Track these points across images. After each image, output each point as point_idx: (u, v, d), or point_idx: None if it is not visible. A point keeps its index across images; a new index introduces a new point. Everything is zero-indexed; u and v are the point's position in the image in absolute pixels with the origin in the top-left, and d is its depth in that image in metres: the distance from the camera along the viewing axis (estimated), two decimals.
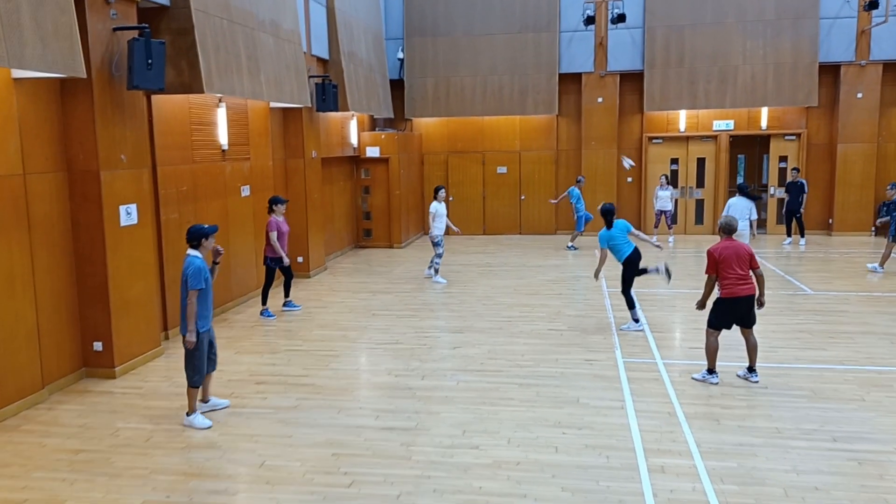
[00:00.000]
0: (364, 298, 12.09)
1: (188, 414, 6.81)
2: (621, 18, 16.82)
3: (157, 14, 9.11)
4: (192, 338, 6.63)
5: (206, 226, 6.91)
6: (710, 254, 7.56)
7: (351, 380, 8.02)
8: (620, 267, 9.86)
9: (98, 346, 8.13)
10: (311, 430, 6.57)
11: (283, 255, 10.65)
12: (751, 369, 7.62)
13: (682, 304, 11.25)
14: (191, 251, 6.77)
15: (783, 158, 18.51)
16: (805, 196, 16.48)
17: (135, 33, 8.06)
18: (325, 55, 14.72)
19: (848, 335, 9.29)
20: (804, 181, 16.59)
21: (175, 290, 9.84)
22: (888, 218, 13.06)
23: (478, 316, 10.71)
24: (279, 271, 11.00)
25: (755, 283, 7.48)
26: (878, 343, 8.91)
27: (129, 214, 8.37)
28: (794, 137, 18.33)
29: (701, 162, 18.87)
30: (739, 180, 19.77)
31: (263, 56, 11.06)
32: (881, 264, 13.06)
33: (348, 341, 9.56)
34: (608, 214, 9.81)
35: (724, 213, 13.21)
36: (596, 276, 10.07)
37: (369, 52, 16.83)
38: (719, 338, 7.57)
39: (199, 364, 6.78)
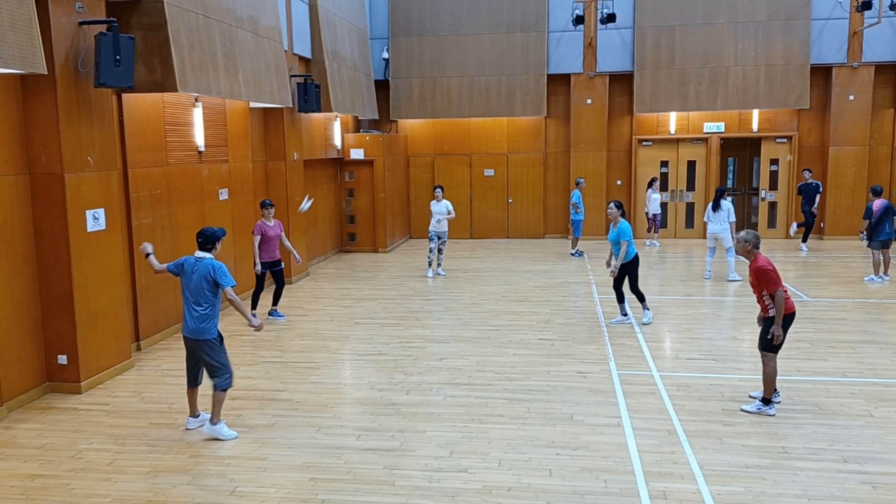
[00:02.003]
0: (347, 306, 11.65)
1: (214, 423, 6.47)
2: (611, 18, 16.49)
3: (128, 8, 8.64)
4: (256, 321, 6.63)
5: (218, 229, 6.69)
6: (765, 269, 6.67)
7: (331, 395, 7.58)
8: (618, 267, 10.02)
9: (63, 359, 7.65)
10: (288, 452, 6.14)
11: (257, 261, 10.33)
12: None
13: (674, 311, 10.90)
14: (202, 254, 6.49)
15: (774, 161, 18.25)
16: (819, 198, 16.14)
17: (102, 28, 7.60)
18: (308, 54, 14.28)
19: (848, 345, 8.96)
20: (818, 182, 16.28)
21: (148, 299, 9.39)
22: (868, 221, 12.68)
23: (465, 324, 10.31)
24: (272, 276, 10.72)
25: None
26: (880, 353, 8.59)
27: (96, 219, 7.90)
28: (785, 140, 18.07)
29: (691, 165, 18.58)
30: (729, 183, 19.54)
31: (242, 54, 10.62)
32: (886, 272, 12.71)
33: (329, 352, 9.12)
34: (622, 208, 10.14)
35: (707, 218, 13.09)
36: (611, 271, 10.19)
37: (353, 52, 16.41)
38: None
39: (228, 361, 6.53)
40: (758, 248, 6.89)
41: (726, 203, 12.89)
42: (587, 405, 7.08)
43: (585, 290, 12.51)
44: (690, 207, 18.73)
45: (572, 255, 16.05)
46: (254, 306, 10.58)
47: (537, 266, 14.91)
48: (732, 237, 12.29)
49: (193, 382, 6.67)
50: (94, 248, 7.87)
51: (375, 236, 17.27)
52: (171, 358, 8.85)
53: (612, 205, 10.10)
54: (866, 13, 16.29)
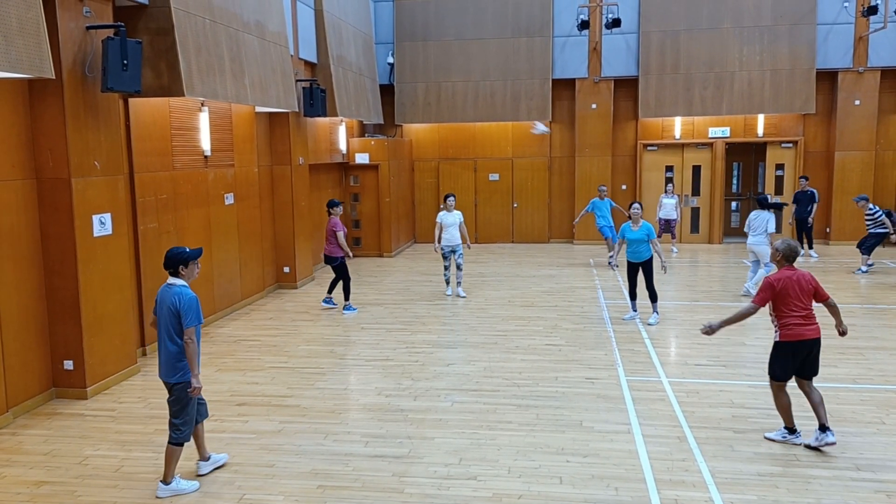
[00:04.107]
0: None
1: (166, 482, 5.51)
2: (616, 23, 16.47)
3: (135, 13, 8.64)
4: (199, 383, 5.49)
5: (188, 249, 5.65)
6: (766, 282, 6.20)
7: (338, 400, 7.54)
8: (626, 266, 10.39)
9: (69, 364, 7.62)
10: (296, 459, 6.09)
11: (349, 252, 11.42)
12: (824, 428, 6.10)
13: (682, 317, 10.85)
14: (173, 280, 5.55)
15: (780, 166, 18.21)
16: (815, 206, 16.04)
17: (110, 32, 7.60)
18: (314, 59, 14.27)
19: (858, 351, 8.90)
20: (814, 190, 16.18)
21: (151, 303, 9.34)
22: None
23: (471, 329, 10.26)
24: (336, 269, 11.45)
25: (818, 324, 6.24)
26: (890, 360, 8.53)
27: (103, 224, 7.88)
28: (790, 145, 18.03)
29: (696, 169, 18.54)
30: (734, 188, 19.46)
31: (248, 58, 10.61)
32: None
33: (336, 357, 9.08)
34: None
35: (748, 228, 12.14)
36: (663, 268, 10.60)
37: (359, 56, 16.40)
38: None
39: (192, 412, 5.63)
40: (789, 260, 6.24)
41: (763, 213, 11.88)
42: (596, 412, 7.03)
43: (591, 295, 12.47)
44: (696, 212, 18.68)
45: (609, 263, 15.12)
46: (346, 297, 11.46)
47: (543, 271, 14.87)
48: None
49: (199, 417, 5.83)
50: (100, 252, 7.84)
51: (380, 241, 17.25)
52: None
53: (636, 205, 10.51)
54: (872, 18, 16.23)
